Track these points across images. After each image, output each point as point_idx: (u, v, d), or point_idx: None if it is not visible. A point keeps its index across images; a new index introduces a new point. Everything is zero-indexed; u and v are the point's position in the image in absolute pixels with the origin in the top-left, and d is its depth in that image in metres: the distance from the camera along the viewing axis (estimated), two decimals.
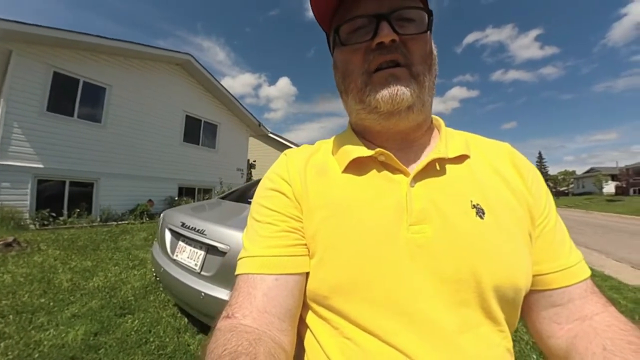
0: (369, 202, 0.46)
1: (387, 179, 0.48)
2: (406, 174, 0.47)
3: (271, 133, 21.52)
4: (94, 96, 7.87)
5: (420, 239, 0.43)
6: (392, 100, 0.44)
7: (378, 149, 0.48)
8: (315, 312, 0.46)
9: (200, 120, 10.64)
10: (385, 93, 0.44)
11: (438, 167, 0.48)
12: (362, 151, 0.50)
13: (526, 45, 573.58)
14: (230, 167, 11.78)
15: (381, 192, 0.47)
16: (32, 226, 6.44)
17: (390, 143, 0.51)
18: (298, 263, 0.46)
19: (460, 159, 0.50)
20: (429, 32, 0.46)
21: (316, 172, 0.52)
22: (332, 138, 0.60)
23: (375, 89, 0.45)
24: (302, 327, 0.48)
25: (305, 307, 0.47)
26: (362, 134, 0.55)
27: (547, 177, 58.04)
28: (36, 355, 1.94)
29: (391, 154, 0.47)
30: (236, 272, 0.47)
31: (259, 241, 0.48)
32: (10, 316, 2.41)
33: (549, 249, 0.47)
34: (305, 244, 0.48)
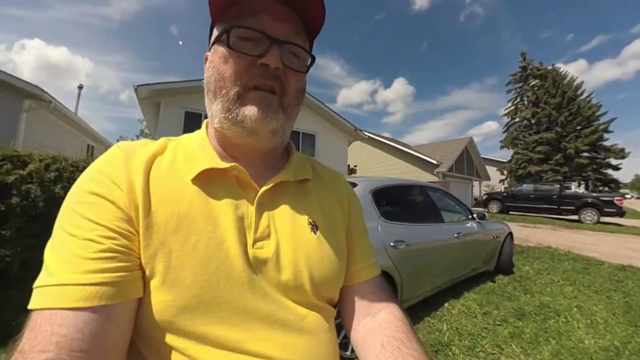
0: (218, 217, 0.44)
1: (237, 194, 0.48)
2: (255, 191, 0.48)
3: (376, 135, 21.30)
4: None
5: (264, 253, 0.45)
6: (260, 122, 0.45)
7: (233, 164, 0.47)
8: (155, 341, 0.40)
9: (299, 133, 11.37)
10: (255, 112, 0.44)
11: (284, 189, 0.51)
12: (217, 162, 0.47)
13: None
14: None
15: (230, 208, 0.46)
16: None
17: (246, 158, 0.51)
18: (127, 289, 0.38)
19: (304, 182, 0.55)
20: (306, 73, 0.50)
21: (161, 177, 0.45)
22: (182, 137, 0.56)
23: (246, 104, 0.45)
24: None
25: (139, 336, 0.40)
26: (219, 141, 0.52)
27: None
28: None
29: (245, 170, 0.48)
30: (33, 306, 0.35)
31: (73, 263, 0.36)
32: None
33: (356, 254, 0.57)
34: (140, 265, 0.40)
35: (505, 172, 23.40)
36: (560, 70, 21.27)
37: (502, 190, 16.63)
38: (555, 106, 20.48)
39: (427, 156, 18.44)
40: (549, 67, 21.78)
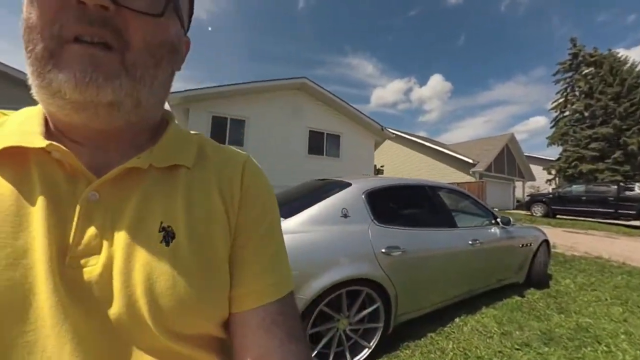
0: (25, 218, 0.31)
1: (60, 187, 0.34)
2: (90, 182, 0.34)
3: (407, 134, 20.46)
4: (237, 127, 10.33)
5: (87, 275, 0.32)
6: (83, 90, 0.30)
7: (50, 142, 0.33)
8: None
9: (323, 133, 11.32)
10: (72, 77, 0.30)
11: (136, 180, 0.37)
12: (30, 139, 0.33)
13: None
14: (356, 174, 11.44)
15: (45, 206, 0.32)
16: None
17: (87, 139, 0.37)
18: None
19: (172, 169, 0.40)
20: (171, 18, 0.36)
21: None
22: (21, 110, 0.40)
23: (62, 65, 0.30)
24: None
25: None
26: (52, 119, 0.37)
27: None
28: None
29: (70, 153, 0.33)
30: None
31: None
32: None
33: (247, 269, 0.41)
34: None
35: (553, 172, 21.25)
36: (619, 55, 18.78)
37: (549, 191, 15.09)
38: (613, 96, 18.14)
39: (462, 155, 17.37)
40: (605, 53, 19.35)
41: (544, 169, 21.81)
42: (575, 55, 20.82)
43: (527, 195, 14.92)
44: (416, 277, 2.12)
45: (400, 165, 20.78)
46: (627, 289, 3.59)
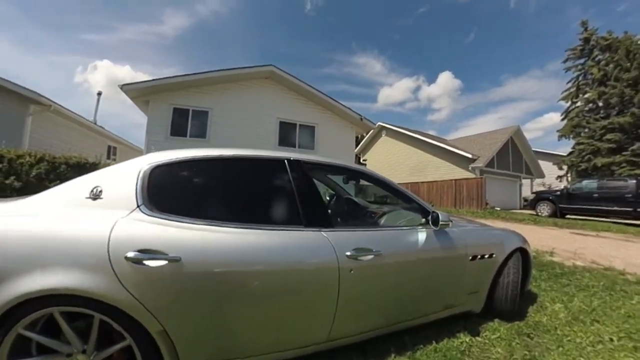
0: None
1: None
2: None
3: (401, 128, 19.17)
4: (200, 119, 9.57)
5: None
6: None
7: None
8: None
9: (295, 124, 10.40)
10: None
11: None
12: None
13: None
14: None
15: None
16: None
17: None
18: None
19: None
20: None
21: None
22: None
23: None
24: None
25: None
26: None
27: None
28: None
29: None
30: None
31: None
32: None
33: None
34: None
35: (564, 167, 19.53)
36: (636, 38, 17.00)
37: (557, 188, 13.59)
38: (630, 82, 16.39)
39: (461, 150, 16.01)
40: (620, 37, 17.58)
41: (554, 164, 20.11)
42: (586, 40, 19.08)
43: (532, 193, 13.42)
44: (215, 307, 1.26)
45: (396, 162, 19.53)
46: None
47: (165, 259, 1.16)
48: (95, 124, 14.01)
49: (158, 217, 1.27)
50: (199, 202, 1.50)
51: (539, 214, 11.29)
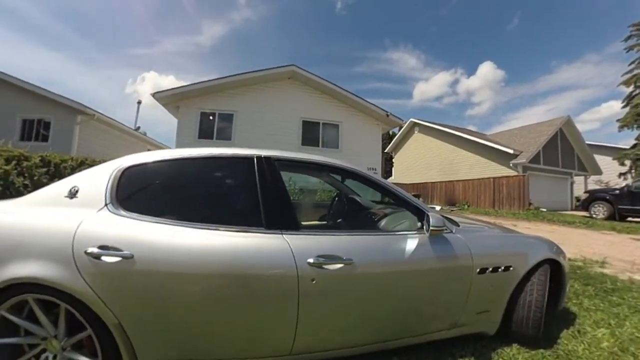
0: None
1: None
2: None
3: (433, 123, 18.15)
4: (226, 122, 9.93)
5: None
6: None
7: None
8: None
9: (319, 123, 10.29)
10: None
11: None
12: None
13: None
14: (361, 166, 10.12)
15: None
16: None
17: None
18: None
19: None
20: None
21: None
22: None
23: None
24: None
25: None
26: None
27: None
28: None
29: None
30: None
31: None
32: None
33: None
34: None
35: (627, 163, 17.14)
36: None
37: (615, 186, 11.95)
38: None
39: (501, 145, 14.78)
40: None
41: (614, 160, 17.75)
42: None
43: (585, 192, 11.91)
44: (165, 306, 1.26)
45: (429, 160, 18.62)
46: None
47: (119, 256, 1.21)
48: (137, 130, 15.25)
49: (121, 216, 1.33)
50: (163, 201, 1.51)
51: (594, 215, 9.99)
